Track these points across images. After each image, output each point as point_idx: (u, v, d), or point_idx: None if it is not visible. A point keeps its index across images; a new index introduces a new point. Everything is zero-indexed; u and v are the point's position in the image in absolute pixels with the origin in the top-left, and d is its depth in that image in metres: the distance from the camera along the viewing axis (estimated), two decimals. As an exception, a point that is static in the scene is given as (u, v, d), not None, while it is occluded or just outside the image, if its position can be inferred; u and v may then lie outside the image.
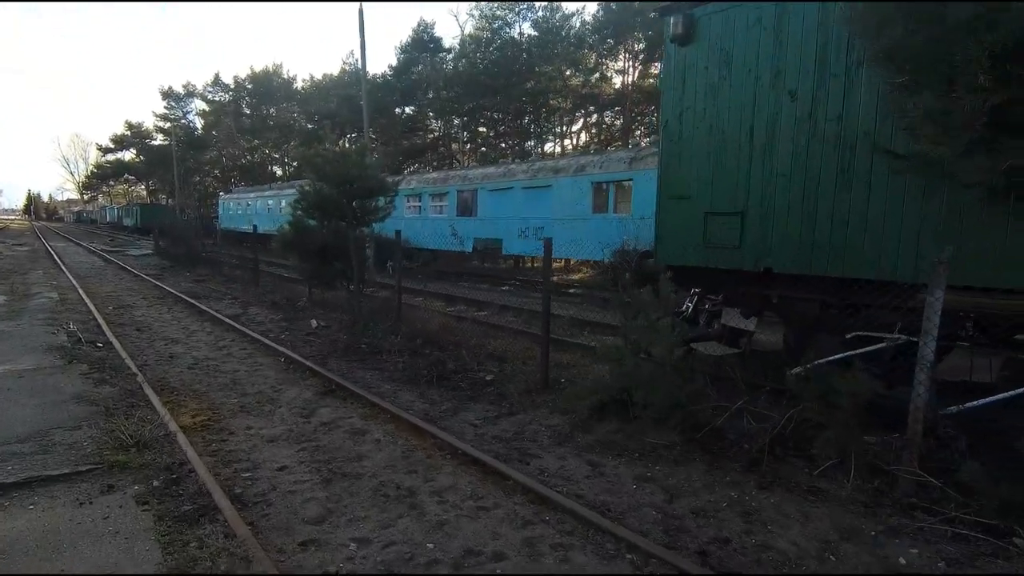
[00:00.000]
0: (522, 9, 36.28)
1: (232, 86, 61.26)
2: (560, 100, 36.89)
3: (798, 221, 4.95)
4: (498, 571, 3.04)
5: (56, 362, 6.90)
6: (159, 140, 66.11)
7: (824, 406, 3.97)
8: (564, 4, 36.78)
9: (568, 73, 36.25)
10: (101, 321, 9.54)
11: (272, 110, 58.98)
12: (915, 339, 4.56)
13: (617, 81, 37.80)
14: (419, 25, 42.10)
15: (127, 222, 51.02)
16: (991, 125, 3.07)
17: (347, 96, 44.45)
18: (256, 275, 14.96)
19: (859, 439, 3.90)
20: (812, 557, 3.19)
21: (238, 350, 8.09)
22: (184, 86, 64.59)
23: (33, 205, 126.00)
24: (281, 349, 7.82)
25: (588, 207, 15.69)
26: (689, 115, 5.67)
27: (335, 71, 54.66)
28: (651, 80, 36.10)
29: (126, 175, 75.89)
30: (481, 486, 4.03)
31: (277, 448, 4.63)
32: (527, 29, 37.09)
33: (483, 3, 38.35)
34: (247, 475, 4.10)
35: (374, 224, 9.60)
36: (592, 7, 39.98)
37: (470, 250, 19.68)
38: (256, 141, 58.51)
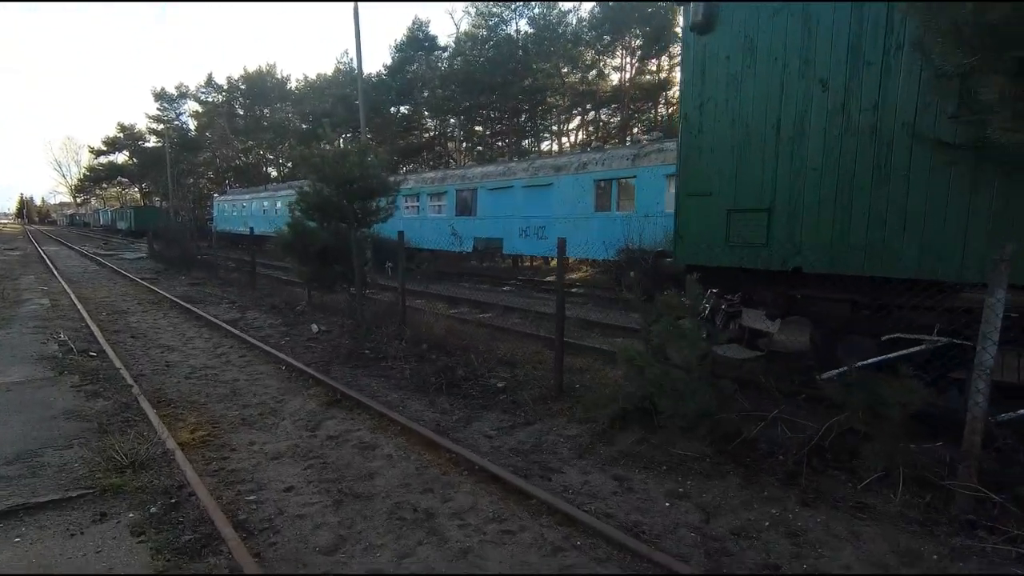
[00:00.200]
0: (519, 6, 35.95)
1: (225, 87, 60.74)
2: (558, 98, 36.60)
3: (830, 218, 4.68)
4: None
5: (46, 373, 6.59)
6: (152, 142, 65.48)
7: (870, 415, 3.71)
8: (560, 3, 36.32)
9: (565, 71, 35.97)
10: (94, 328, 9.23)
11: (266, 110, 58.52)
12: (957, 341, 4.33)
13: (614, 78, 37.55)
14: (414, 23, 41.75)
15: (121, 225, 50.50)
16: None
17: (342, 96, 44.09)
18: (253, 278, 14.64)
19: (908, 451, 3.64)
20: (871, 584, 2.93)
21: (237, 357, 7.79)
22: (177, 87, 64.05)
23: (25, 208, 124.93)
24: (282, 356, 7.53)
25: (591, 205, 15.43)
26: (710, 107, 5.40)
27: (329, 71, 54.22)
28: (648, 77, 35.89)
29: (119, 177, 75.19)
30: (503, 506, 3.76)
31: (282, 466, 4.34)
32: (523, 26, 36.79)
33: (479, 2, 37.99)
34: (251, 498, 3.81)
35: (374, 225, 9.31)
36: (589, 4, 39.92)
37: (470, 250, 19.40)
38: (250, 142, 58.01)
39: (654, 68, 35.55)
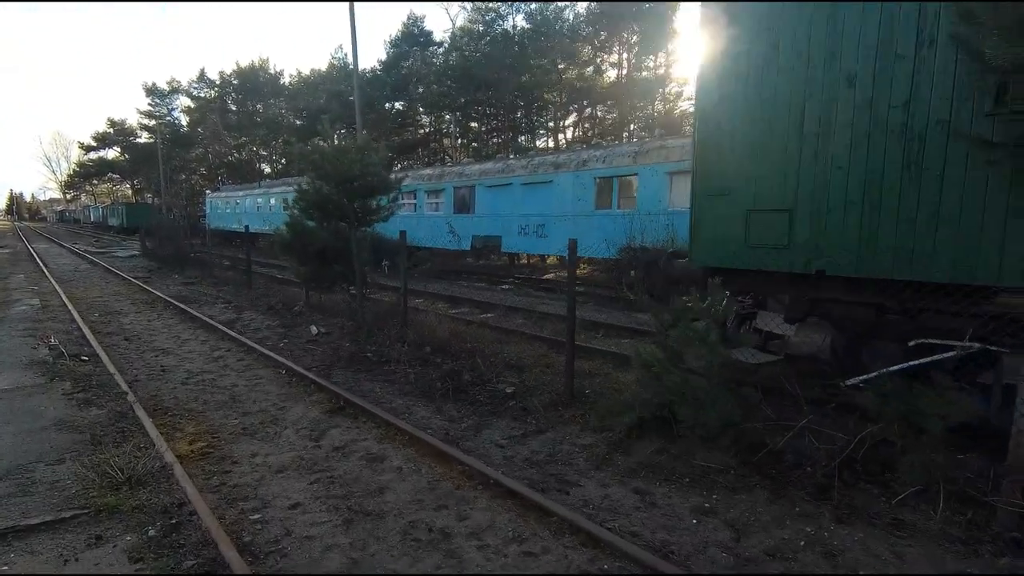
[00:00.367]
0: (515, 2, 35.66)
1: (218, 82, 60.10)
2: (555, 94, 36.36)
3: (856, 219, 4.50)
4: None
5: (37, 380, 6.35)
6: (143, 138, 64.78)
7: (905, 426, 3.54)
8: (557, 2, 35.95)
9: (562, 67, 35.72)
10: (86, 330, 8.96)
11: (259, 106, 57.94)
12: (992, 348, 4.17)
13: (611, 75, 37.32)
14: (409, 19, 41.43)
15: (112, 222, 49.92)
16: None
17: (336, 92, 43.68)
18: (249, 277, 14.36)
19: (948, 465, 3.47)
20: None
21: (235, 361, 7.56)
22: (169, 82, 63.29)
23: (15, 205, 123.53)
24: (281, 360, 7.30)
25: (591, 203, 15.23)
26: (728, 104, 5.21)
27: (323, 66, 53.70)
28: (645, 73, 35.69)
29: (110, 174, 74.39)
30: (523, 523, 3.56)
31: (287, 480, 4.13)
32: (520, 22, 36.50)
33: (475, 2, 37.62)
34: (256, 516, 3.60)
35: (375, 224, 9.07)
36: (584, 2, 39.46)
37: (468, 248, 19.18)
38: (243, 138, 57.45)
39: (651, 65, 35.34)
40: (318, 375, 6.67)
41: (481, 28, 37.47)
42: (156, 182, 54.17)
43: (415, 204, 20.81)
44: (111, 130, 67.75)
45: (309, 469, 4.32)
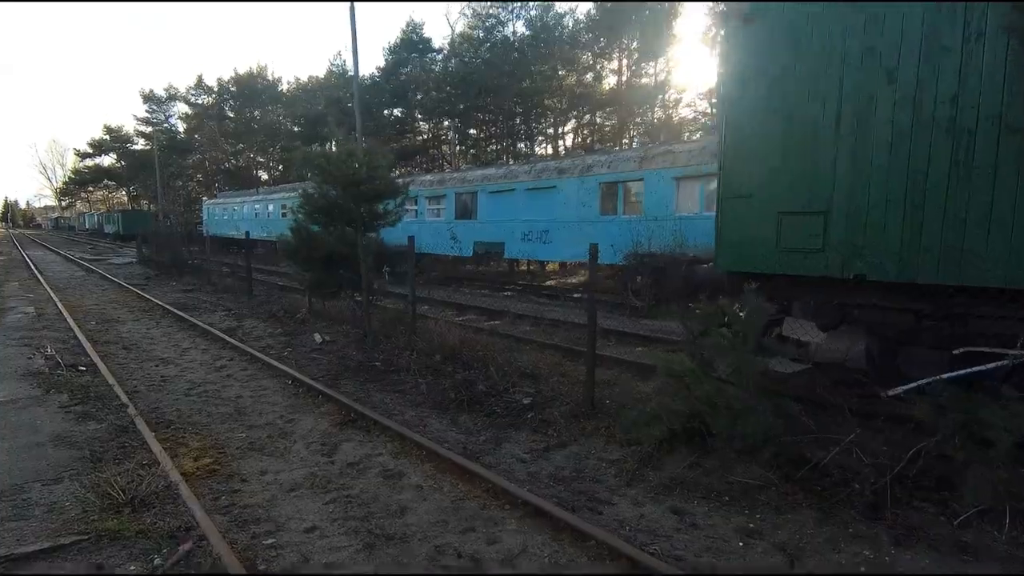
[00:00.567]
0: (516, 7, 35.62)
1: (215, 89, 59.89)
2: (556, 101, 36.27)
3: (898, 221, 4.30)
4: None
5: (33, 392, 6.07)
6: (140, 144, 64.43)
7: (967, 440, 3.31)
8: (557, 4, 36.04)
9: (563, 73, 35.66)
10: (83, 339, 8.68)
11: (257, 113, 57.73)
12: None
13: (611, 81, 37.26)
14: (408, 25, 41.33)
15: (108, 229, 49.56)
16: None
17: (335, 98, 43.53)
18: (250, 284, 14.09)
19: (1014, 481, 3.24)
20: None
21: (238, 371, 7.29)
22: (166, 89, 63.04)
23: (10, 212, 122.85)
24: (286, 369, 7.04)
25: (596, 208, 15.03)
26: (755, 103, 5.01)
27: (321, 73, 53.61)
28: (645, 80, 35.62)
29: (105, 180, 73.96)
30: (558, 547, 3.31)
31: (301, 500, 3.87)
32: (520, 28, 36.46)
33: (476, 2, 37.59)
34: (270, 541, 3.34)
35: (381, 229, 8.83)
36: (585, 6, 39.58)
37: (470, 254, 18.95)
38: (240, 145, 57.21)
39: (651, 72, 35.28)
40: (326, 385, 6.41)
41: (481, 34, 37.41)
42: (153, 189, 53.83)
43: (416, 210, 20.58)
44: (107, 137, 67.42)
45: (323, 487, 4.06)
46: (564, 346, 8.26)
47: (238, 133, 56.93)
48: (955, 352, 4.35)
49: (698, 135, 31.00)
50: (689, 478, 4.20)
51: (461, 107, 37.90)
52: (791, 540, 3.39)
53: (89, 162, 71.61)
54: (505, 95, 34.51)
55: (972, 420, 3.29)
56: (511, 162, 24.14)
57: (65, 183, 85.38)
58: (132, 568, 3.01)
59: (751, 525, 3.57)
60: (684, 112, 36.32)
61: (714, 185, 12.38)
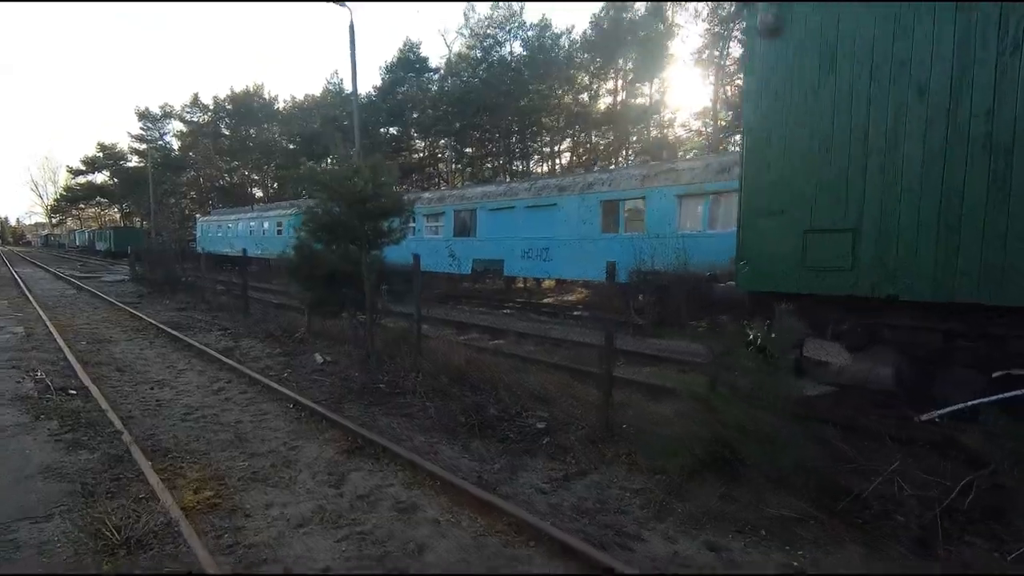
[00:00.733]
0: (513, 27, 35.95)
1: (211, 107, 59.95)
2: (553, 119, 36.49)
3: (933, 239, 4.15)
4: None
5: (21, 418, 5.76)
6: (134, 162, 64.23)
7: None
8: (553, 24, 36.41)
9: (560, 92, 35.92)
10: (73, 360, 8.37)
11: (252, 131, 57.75)
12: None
13: (607, 100, 37.56)
14: (405, 45, 41.63)
15: (100, 246, 49.09)
16: None
17: (331, 116, 43.60)
18: (246, 302, 13.79)
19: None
20: None
21: (237, 394, 7.01)
22: (161, 107, 63.03)
23: (1, 230, 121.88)
24: (287, 392, 6.77)
25: (597, 226, 14.93)
26: (780, 118, 4.89)
27: (317, 92, 53.78)
28: (641, 99, 35.93)
29: (98, 198, 73.55)
30: (591, 591, 3.07)
31: (310, 537, 3.61)
32: (517, 48, 36.78)
33: (472, 23, 37.90)
34: (280, 586, 3.08)
35: (385, 247, 8.63)
36: (581, 26, 40.00)
37: (468, 272, 18.79)
38: (235, 162, 57.10)
39: (646, 92, 35.61)
40: (329, 409, 6.15)
41: (479, 54, 37.67)
42: (146, 206, 53.47)
43: (414, 227, 20.43)
44: (101, 154, 67.18)
45: (334, 523, 3.80)
46: (571, 366, 8.05)
47: (233, 150, 56.88)
48: (994, 375, 4.18)
49: (691, 154, 31.24)
50: (721, 510, 3.97)
51: (458, 126, 38.04)
52: (840, 580, 3.16)
53: (81, 179, 71.29)
54: (502, 113, 34.65)
55: (1030, 449, 3.10)
56: (508, 179, 24.10)
57: (56, 200, 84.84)
58: (129, 619, 2.74)
59: (795, 563, 3.34)
60: (679, 131, 36.67)
61: (717, 203, 12.45)
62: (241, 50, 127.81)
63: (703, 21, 31.28)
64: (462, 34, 38.58)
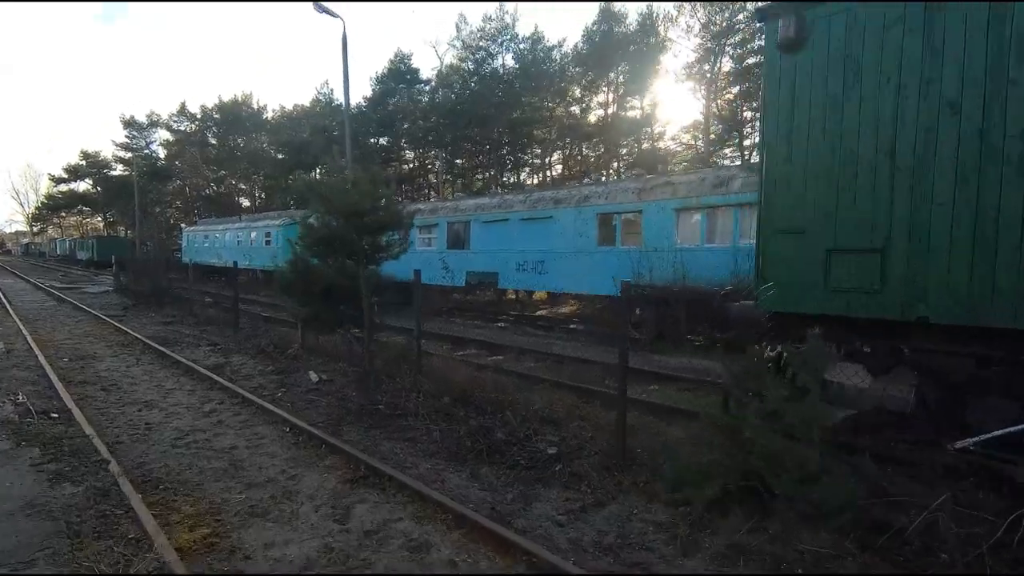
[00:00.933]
0: (505, 40, 36.03)
1: (199, 116, 59.35)
2: (544, 132, 36.51)
3: (967, 261, 4.02)
4: None
5: (1, 446, 5.41)
6: (118, 170, 63.26)
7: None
8: (545, 37, 36.50)
9: (551, 105, 36.00)
10: (55, 379, 7.99)
11: (240, 140, 57.21)
12: None
13: (599, 113, 37.72)
14: (396, 56, 41.54)
15: (82, 256, 48.08)
16: None
17: (321, 127, 43.32)
18: (236, 316, 13.42)
19: None
20: None
21: (229, 416, 6.70)
22: (148, 115, 62.24)
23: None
24: (283, 414, 6.48)
25: (593, 239, 14.79)
26: (802, 134, 4.76)
27: (307, 101, 53.48)
28: (632, 112, 36.10)
29: (80, 206, 72.31)
30: (627, 643, 2.84)
31: (318, 582, 3.34)
32: (509, 61, 36.84)
33: (464, 35, 37.93)
34: (288, 642, 2.81)
35: (383, 262, 8.39)
36: (572, 39, 39.95)
37: (462, 284, 18.56)
38: (222, 171, 56.47)
39: (637, 105, 35.81)
40: (328, 433, 5.87)
41: (471, 67, 37.66)
42: (130, 215, 52.60)
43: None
44: (84, 162, 66.13)
45: (342, 564, 3.53)
46: (578, 386, 7.83)
47: (220, 160, 56.27)
48: (1030, 402, 4.03)
49: (681, 167, 31.37)
50: (751, 546, 3.76)
51: (448, 137, 37.92)
52: (891, 628, 2.96)
53: (64, 187, 70.06)
54: (494, 125, 34.62)
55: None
56: (501, 191, 23.99)
57: (38, 208, 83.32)
58: None
59: (840, 607, 3.14)
60: (671, 144, 36.88)
61: (714, 217, 12.37)
62: (230, 59, 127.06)
63: (695, 36, 31.58)
64: (454, 46, 38.58)
